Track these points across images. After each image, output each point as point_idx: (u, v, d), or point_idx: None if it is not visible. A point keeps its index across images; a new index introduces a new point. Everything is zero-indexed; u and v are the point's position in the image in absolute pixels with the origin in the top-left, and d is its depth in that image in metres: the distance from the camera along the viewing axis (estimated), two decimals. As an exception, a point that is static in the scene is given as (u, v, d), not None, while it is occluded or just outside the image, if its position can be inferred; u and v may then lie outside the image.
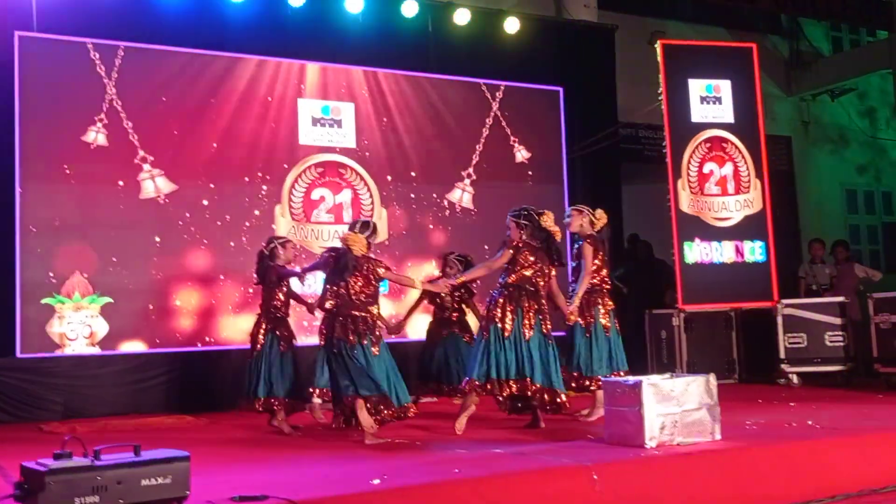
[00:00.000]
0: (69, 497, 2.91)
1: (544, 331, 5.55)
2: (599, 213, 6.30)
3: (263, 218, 8.07)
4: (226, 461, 4.56)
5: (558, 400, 5.46)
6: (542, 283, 5.60)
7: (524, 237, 5.63)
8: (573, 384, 6.06)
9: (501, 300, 5.52)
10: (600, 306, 6.16)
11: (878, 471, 4.51)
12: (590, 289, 6.13)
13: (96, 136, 7.48)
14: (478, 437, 5.19)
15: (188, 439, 5.38)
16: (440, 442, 5.07)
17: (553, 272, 5.71)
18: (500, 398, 5.51)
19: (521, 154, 9.32)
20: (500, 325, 5.43)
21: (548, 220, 5.63)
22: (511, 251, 5.58)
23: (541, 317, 5.55)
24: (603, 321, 6.14)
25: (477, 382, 5.39)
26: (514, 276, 5.54)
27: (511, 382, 5.40)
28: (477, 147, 9.22)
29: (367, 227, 5.60)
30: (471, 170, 9.18)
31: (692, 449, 4.37)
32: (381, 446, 4.98)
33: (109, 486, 2.99)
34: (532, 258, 5.57)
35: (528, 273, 5.54)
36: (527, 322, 5.46)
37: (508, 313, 5.46)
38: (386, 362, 5.24)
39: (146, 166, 7.56)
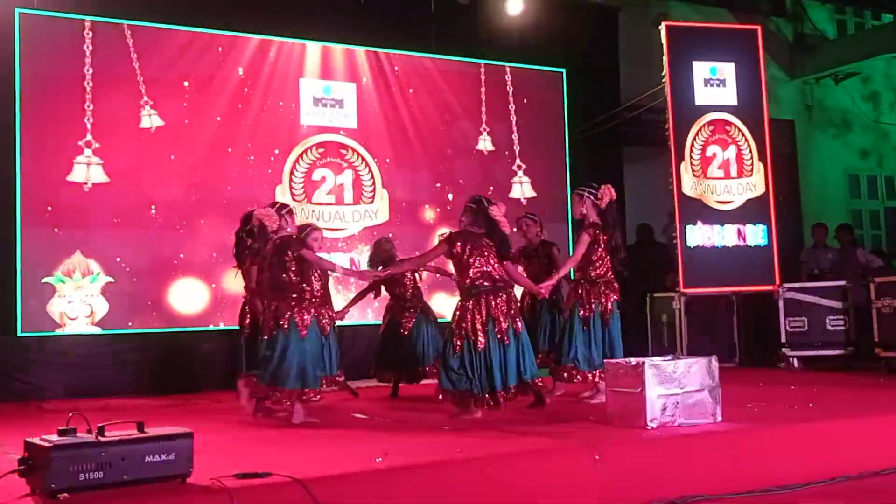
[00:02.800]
0: (74, 473, 2.92)
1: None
2: (602, 190, 5.89)
3: (264, 198, 8.03)
4: (228, 439, 4.57)
5: (535, 388, 5.31)
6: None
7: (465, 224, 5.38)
8: (565, 374, 5.88)
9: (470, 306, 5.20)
10: (602, 299, 5.86)
11: (879, 454, 4.53)
12: (591, 280, 5.88)
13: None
14: (480, 417, 5.19)
15: (189, 418, 5.39)
16: (443, 423, 5.08)
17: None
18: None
19: (485, 144, 9.20)
20: (472, 337, 5.16)
21: (496, 211, 5.32)
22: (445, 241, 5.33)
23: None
24: (602, 314, 5.87)
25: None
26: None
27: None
28: (514, 137, 9.25)
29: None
30: (518, 161, 9.24)
31: (693, 430, 4.39)
32: (383, 426, 4.99)
33: (114, 463, 3.00)
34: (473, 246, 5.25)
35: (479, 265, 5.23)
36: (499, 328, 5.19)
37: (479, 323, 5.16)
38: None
39: (87, 151, 7.38)
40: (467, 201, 5.51)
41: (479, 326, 5.16)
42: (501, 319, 5.19)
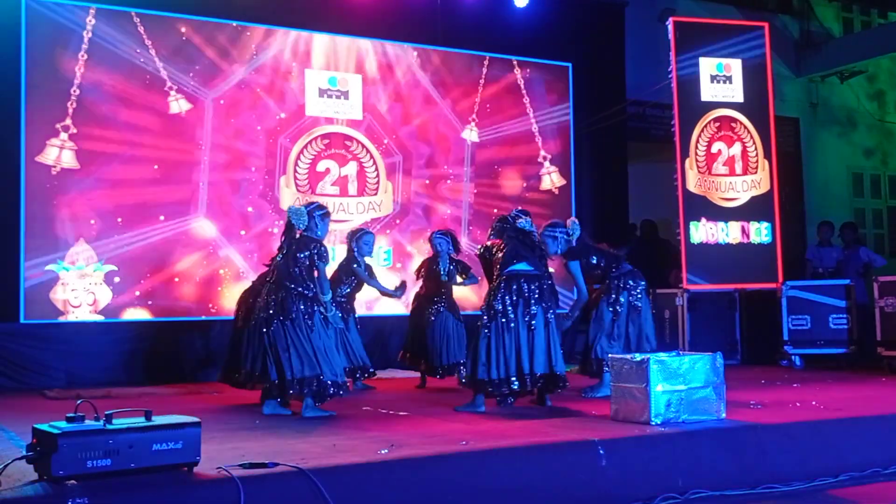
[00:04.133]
0: (82, 460, 2.92)
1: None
2: (570, 226, 6.02)
3: (268, 189, 8.05)
4: (233, 429, 4.56)
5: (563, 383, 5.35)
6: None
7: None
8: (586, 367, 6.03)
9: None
10: (628, 290, 5.99)
11: (884, 452, 4.53)
12: (614, 275, 6.03)
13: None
14: (484, 411, 5.19)
15: (193, 407, 5.39)
16: (447, 415, 5.09)
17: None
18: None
19: (469, 134, 9.12)
20: (500, 318, 5.21)
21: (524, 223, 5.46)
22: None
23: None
24: (635, 303, 5.99)
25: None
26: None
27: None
28: (535, 130, 9.23)
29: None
30: (543, 152, 9.30)
31: (697, 427, 4.38)
32: (388, 418, 5.00)
33: (121, 450, 2.99)
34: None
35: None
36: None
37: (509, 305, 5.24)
38: None
39: (63, 135, 7.29)
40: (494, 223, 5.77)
41: (509, 307, 5.18)
42: (532, 304, 5.20)
